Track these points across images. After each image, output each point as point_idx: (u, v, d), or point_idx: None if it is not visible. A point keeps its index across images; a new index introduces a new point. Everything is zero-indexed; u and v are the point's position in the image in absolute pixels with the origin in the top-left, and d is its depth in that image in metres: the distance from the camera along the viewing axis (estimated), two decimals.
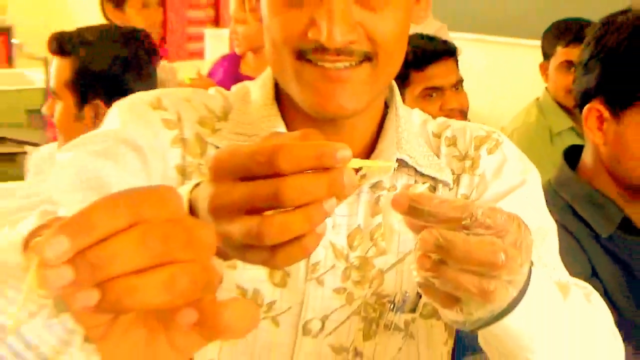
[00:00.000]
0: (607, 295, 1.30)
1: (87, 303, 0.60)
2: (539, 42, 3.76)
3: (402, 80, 2.58)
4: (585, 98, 1.82)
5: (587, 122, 1.81)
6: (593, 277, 1.63)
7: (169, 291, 0.61)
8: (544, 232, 1.27)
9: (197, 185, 0.85)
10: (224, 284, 1.20)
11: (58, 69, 2.58)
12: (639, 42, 1.74)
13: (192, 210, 0.83)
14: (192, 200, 0.84)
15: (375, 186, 1.26)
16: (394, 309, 1.28)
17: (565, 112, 3.53)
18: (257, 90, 1.31)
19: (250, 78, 1.39)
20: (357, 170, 1.25)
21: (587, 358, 1.12)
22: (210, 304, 0.64)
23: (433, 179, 1.28)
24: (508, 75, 4.96)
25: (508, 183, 1.29)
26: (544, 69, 3.71)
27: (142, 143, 1.23)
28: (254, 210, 0.74)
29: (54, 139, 2.87)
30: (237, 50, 4.48)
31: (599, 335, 1.17)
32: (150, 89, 2.60)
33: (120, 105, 1.29)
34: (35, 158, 2.84)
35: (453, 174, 1.31)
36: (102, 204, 0.61)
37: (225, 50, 5.00)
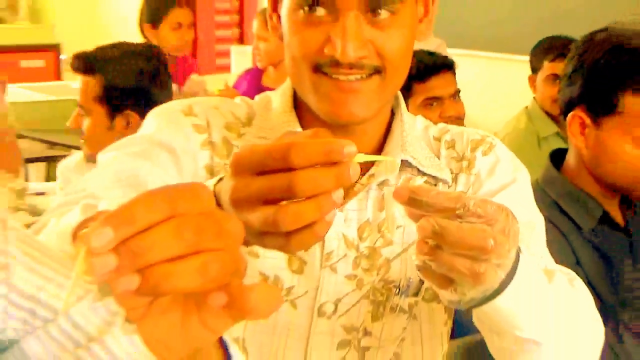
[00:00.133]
0: (588, 282, 1.29)
1: (129, 287, 0.61)
2: (527, 58, 3.76)
3: (406, 90, 2.58)
4: (569, 106, 1.82)
5: (570, 128, 1.81)
6: (576, 265, 1.63)
7: (201, 276, 0.61)
8: (532, 225, 1.27)
9: (220, 179, 0.86)
10: (248, 271, 1.20)
11: (86, 86, 2.53)
12: (616, 57, 1.74)
13: (216, 202, 0.83)
14: (215, 193, 0.84)
15: (382, 184, 1.26)
16: (399, 293, 1.28)
17: (551, 119, 3.52)
18: (277, 99, 1.31)
19: (271, 89, 1.39)
20: (366, 170, 1.26)
21: (570, 335, 1.13)
22: (237, 288, 0.64)
23: (434, 177, 1.28)
24: (500, 87, 4.96)
25: (500, 181, 1.29)
26: (532, 81, 3.70)
27: (175, 145, 1.23)
28: (270, 200, 0.75)
29: None
30: (260, 65, 4.50)
31: (581, 316, 1.18)
32: (170, 96, 2.61)
33: (156, 113, 1.30)
34: (61, 167, 2.84)
35: (452, 173, 1.31)
36: (142, 199, 0.61)
37: (249, 64, 5.00)
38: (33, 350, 0.96)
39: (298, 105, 1.28)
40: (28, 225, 1.06)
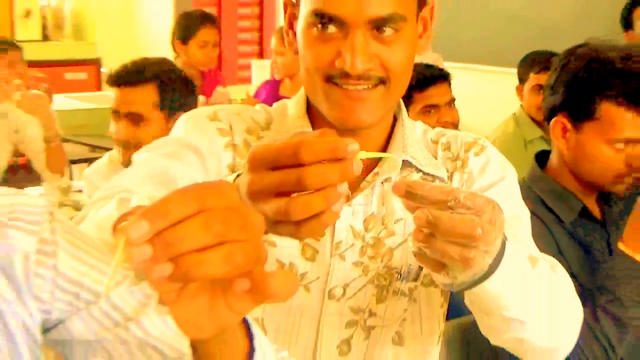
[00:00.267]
0: (569, 269, 1.29)
1: (162, 274, 0.61)
2: (515, 70, 3.74)
3: (407, 98, 2.58)
4: (552, 113, 1.81)
5: (553, 132, 1.81)
6: (558, 254, 1.62)
7: (227, 264, 0.61)
8: (519, 217, 1.27)
9: (239, 175, 0.86)
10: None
11: (142, 95, 2.47)
12: (593, 69, 1.74)
13: None
14: (235, 187, 0.84)
15: (386, 181, 1.25)
16: (401, 279, 1.27)
17: (536, 124, 3.50)
18: (293, 106, 1.31)
19: (287, 98, 1.39)
20: (371, 169, 1.25)
21: (552, 315, 1.13)
22: (259, 274, 0.64)
23: (432, 175, 1.28)
24: (490, 96, 4.95)
25: (491, 179, 1.29)
26: (519, 90, 3.69)
27: (202, 147, 1.23)
28: (282, 193, 0.75)
29: None
30: (277, 76, 4.50)
31: (562, 298, 1.18)
32: (196, 102, 2.60)
33: (185, 118, 1.30)
34: (87, 172, 2.83)
35: (447, 171, 1.30)
36: (174, 195, 0.61)
37: (267, 76, 5.00)
38: (77, 328, 0.96)
39: (311, 111, 1.28)
40: (71, 219, 1.07)
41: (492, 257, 0.94)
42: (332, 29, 1.14)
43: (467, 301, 1.09)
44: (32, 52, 4.71)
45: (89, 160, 4.51)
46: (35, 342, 0.95)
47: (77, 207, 2.96)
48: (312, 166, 0.73)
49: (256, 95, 4.58)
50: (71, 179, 3.41)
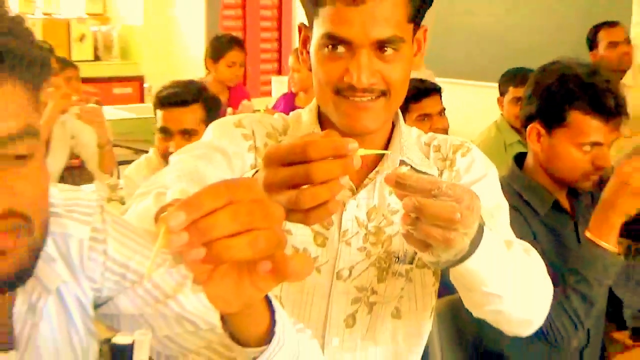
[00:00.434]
0: (543, 254, 1.28)
1: (197, 257, 0.61)
2: (496, 84, 3.72)
3: (404, 108, 2.58)
4: (528, 120, 1.81)
5: (529, 137, 1.81)
6: (534, 241, 1.62)
7: (252, 248, 0.61)
8: (499, 208, 1.27)
9: (257, 171, 0.86)
10: None
11: (193, 113, 2.48)
12: (564, 83, 1.74)
13: None
14: None
15: None
16: (398, 262, 1.27)
17: (515, 130, 3.48)
18: (306, 114, 1.31)
19: (302, 108, 1.39)
20: (373, 168, 1.25)
21: (525, 291, 1.13)
22: (280, 257, 0.64)
23: (424, 173, 1.27)
24: (475, 106, 4.93)
25: (475, 176, 1.28)
26: (500, 102, 3.67)
27: (228, 150, 1.23)
28: (293, 185, 0.75)
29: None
30: (294, 90, 4.50)
31: (534, 276, 1.17)
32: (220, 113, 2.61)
33: (214, 125, 1.30)
34: (127, 172, 2.82)
35: (438, 170, 1.30)
36: (207, 190, 0.61)
37: (285, 90, 5.00)
38: (123, 304, 0.96)
39: (321, 119, 1.27)
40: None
41: (470, 238, 0.94)
42: (341, 49, 1.13)
43: (452, 278, 1.09)
44: (86, 70, 4.71)
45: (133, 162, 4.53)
46: (88, 316, 0.95)
47: (123, 202, 2.96)
48: (318, 162, 0.73)
49: (275, 106, 4.58)
50: (118, 178, 3.41)
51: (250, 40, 7.07)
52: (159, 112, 2.52)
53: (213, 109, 2.53)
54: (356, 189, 1.25)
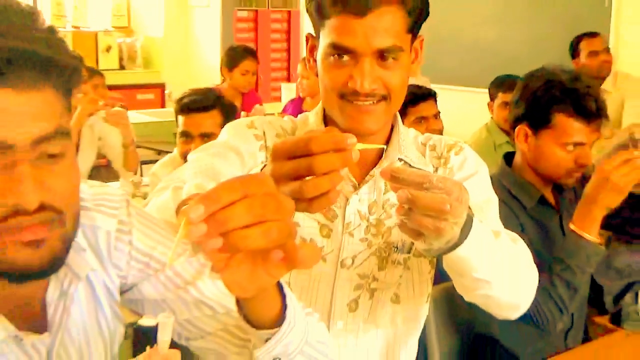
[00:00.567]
0: (531, 244, 1.28)
1: (215, 246, 0.61)
2: (486, 90, 3.71)
3: (402, 111, 2.57)
4: (516, 122, 1.81)
5: (517, 138, 1.80)
6: (522, 233, 1.60)
7: (265, 238, 0.61)
8: (490, 202, 1.26)
9: (265, 166, 0.86)
10: None
11: (212, 118, 2.47)
12: (549, 88, 1.73)
13: None
14: None
15: None
16: (397, 251, 1.27)
17: (504, 132, 3.47)
18: (313, 117, 1.31)
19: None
20: (374, 165, 1.25)
21: (512, 277, 1.13)
22: (291, 246, 0.64)
23: (420, 169, 1.27)
24: (467, 110, 4.91)
25: (467, 172, 1.28)
26: (490, 106, 3.66)
27: (241, 149, 1.23)
28: (297, 177, 0.75)
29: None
30: (302, 95, 4.50)
31: (521, 263, 1.17)
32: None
33: (228, 126, 1.30)
34: (154, 169, 2.83)
35: (433, 167, 1.29)
36: (224, 185, 0.61)
37: (293, 95, 4.99)
38: (147, 290, 0.96)
39: (327, 121, 1.27)
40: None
41: (460, 227, 0.93)
42: (345, 57, 1.13)
43: (444, 265, 1.08)
44: (112, 78, 4.72)
45: (155, 162, 4.54)
46: (114, 300, 0.95)
47: (146, 198, 2.96)
48: (320, 155, 0.73)
49: (284, 110, 4.58)
50: (141, 175, 3.42)
51: (262, 51, 7.05)
52: (180, 118, 2.52)
53: (230, 114, 2.53)
54: (358, 184, 1.25)
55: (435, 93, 2.80)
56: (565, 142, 1.72)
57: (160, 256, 0.94)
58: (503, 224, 1.26)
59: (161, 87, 6.99)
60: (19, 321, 0.82)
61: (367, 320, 1.27)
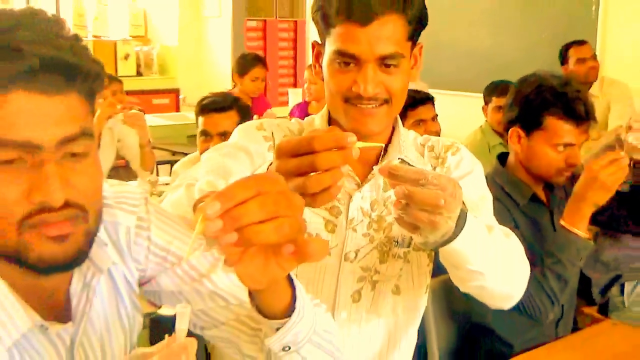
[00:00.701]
0: (523, 239, 1.27)
1: (230, 241, 0.61)
2: (481, 95, 3.70)
3: (402, 114, 2.57)
4: (509, 125, 1.81)
5: (510, 139, 1.80)
6: (515, 228, 1.60)
7: (277, 233, 0.61)
8: (484, 199, 1.26)
9: (271, 163, 0.87)
10: None
11: (230, 118, 2.46)
12: (540, 92, 1.73)
13: None
14: None
15: None
16: (398, 245, 1.26)
17: (497, 134, 3.47)
18: (318, 119, 1.30)
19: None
20: (375, 164, 1.24)
21: (505, 269, 1.12)
22: (301, 241, 0.64)
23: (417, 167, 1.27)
24: (463, 113, 4.89)
25: (463, 171, 1.27)
26: (484, 110, 3.65)
27: (251, 149, 1.23)
28: (301, 173, 0.75)
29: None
30: (308, 99, 4.50)
31: (513, 256, 1.17)
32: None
33: (239, 128, 1.30)
34: (176, 167, 2.84)
35: (431, 167, 1.29)
36: (239, 183, 0.61)
37: (299, 100, 5.00)
38: (164, 282, 0.96)
39: (331, 123, 1.27)
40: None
41: (454, 221, 0.93)
42: (350, 63, 1.13)
43: (441, 258, 1.08)
44: (129, 84, 4.73)
45: (171, 162, 4.54)
46: (134, 292, 0.95)
47: (160, 196, 2.96)
48: (322, 153, 0.73)
49: (291, 114, 4.59)
50: (157, 175, 3.42)
51: (270, 58, 7.05)
52: (200, 118, 2.53)
53: (245, 115, 2.54)
54: (361, 183, 1.24)
55: (433, 97, 2.79)
56: (556, 143, 1.71)
57: (177, 250, 0.94)
58: (497, 220, 1.25)
59: (176, 92, 7.00)
60: (44, 311, 0.82)
61: (370, 310, 1.27)
